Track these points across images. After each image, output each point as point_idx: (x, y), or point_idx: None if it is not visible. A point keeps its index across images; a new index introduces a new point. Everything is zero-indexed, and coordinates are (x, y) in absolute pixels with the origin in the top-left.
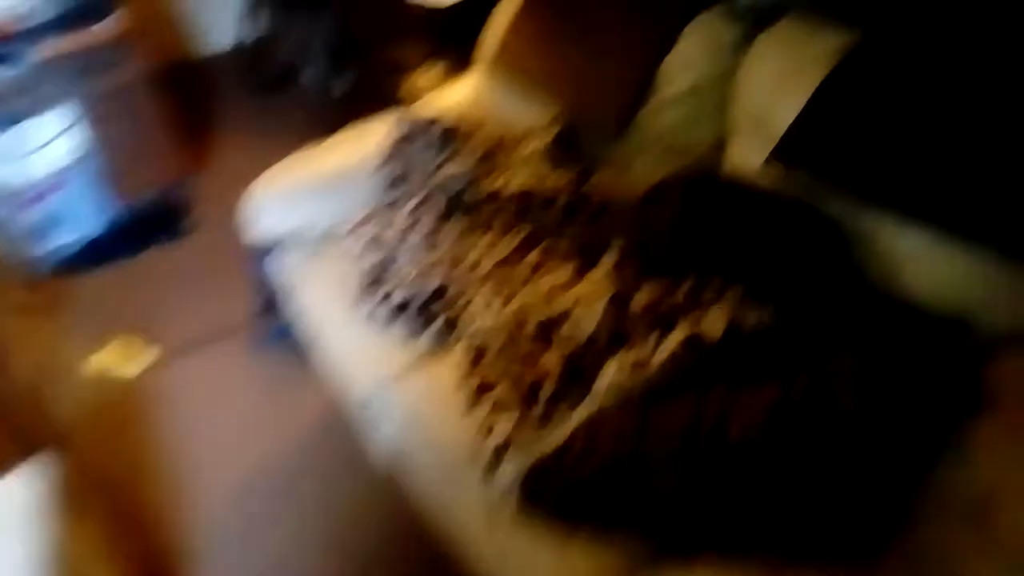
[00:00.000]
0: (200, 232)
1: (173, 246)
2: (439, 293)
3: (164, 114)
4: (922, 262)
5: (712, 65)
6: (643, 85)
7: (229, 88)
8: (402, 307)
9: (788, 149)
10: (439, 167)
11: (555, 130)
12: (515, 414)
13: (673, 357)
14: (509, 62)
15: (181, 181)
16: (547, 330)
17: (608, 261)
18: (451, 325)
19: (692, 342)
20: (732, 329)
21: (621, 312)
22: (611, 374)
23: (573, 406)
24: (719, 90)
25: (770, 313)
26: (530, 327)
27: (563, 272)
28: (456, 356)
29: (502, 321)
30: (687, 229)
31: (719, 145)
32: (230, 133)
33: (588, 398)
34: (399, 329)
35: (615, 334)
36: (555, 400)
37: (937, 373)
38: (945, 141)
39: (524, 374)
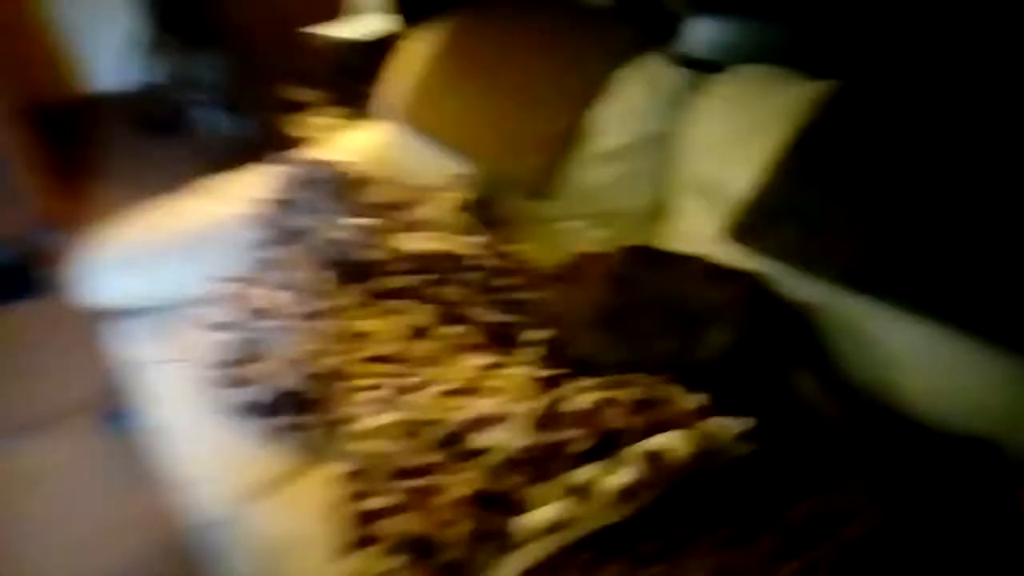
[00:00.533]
0: (59, 291)
1: (23, 306)
2: (316, 386)
3: (28, 156)
4: (921, 362)
5: (651, 118)
6: (569, 139)
7: (116, 130)
8: (268, 403)
9: (747, 224)
10: (330, 222)
11: (470, 187)
12: (408, 564)
13: (627, 490)
14: (418, 110)
15: (43, 231)
16: (455, 440)
17: (530, 349)
18: (329, 429)
19: (652, 464)
20: (704, 452)
21: (551, 420)
22: (546, 511)
23: (491, 557)
24: (659, 147)
25: (750, 428)
26: (433, 436)
27: (475, 362)
28: (334, 472)
29: (397, 427)
30: (621, 315)
31: (659, 210)
32: (112, 179)
33: (513, 556)
34: (262, 430)
35: (544, 450)
36: (466, 547)
37: (977, 511)
38: (942, 216)
39: (424, 504)
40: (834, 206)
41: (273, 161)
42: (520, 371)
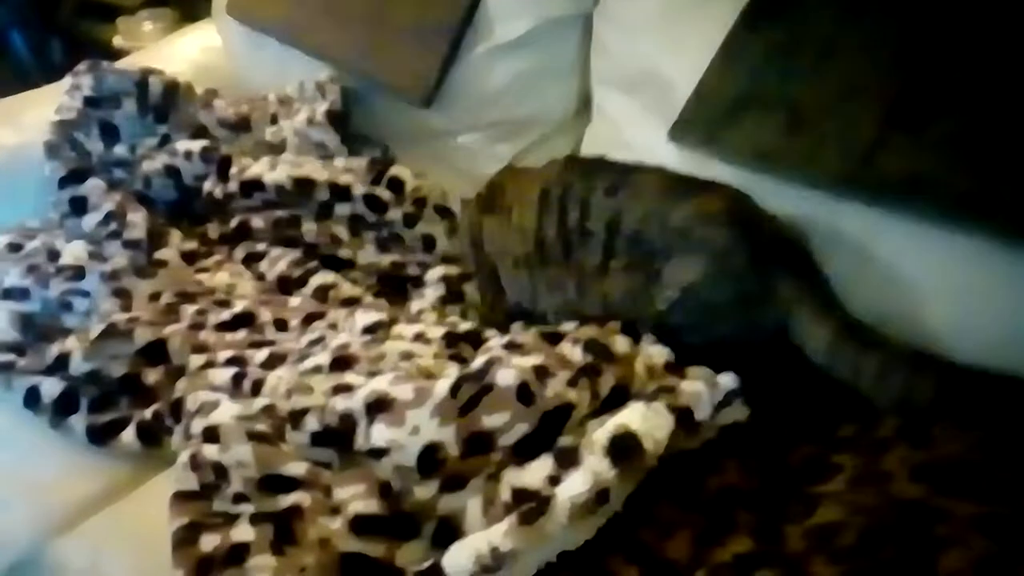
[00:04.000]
0: None
1: None
2: (145, 368)
3: None
4: (948, 285)
5: None
6: (457, 28)
7: None
8: (79, 395)
9: (705, 121)
10: (158, 144)
11: (336, 97)
12: None
13: (587, 504)
14: (266, 4)
15: None
16: (338, 438)
17: (433, 299)
18: (163, 427)
19: (616, 458)
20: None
21: (471, 400)
22: (474, 544)
23: None
24: (573, 33)
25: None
26: (306, 432)
27: (360, 321)
28: (176, 483)
29: (254, 421)
30: (556, 248)
31: (578, 115)
32: None
33: None
34: (72, 434)
35: (466, 445)
36: None
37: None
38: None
39: (288, 542)
40: (825, 85)
41: (82, 75)
42: (422, 330)
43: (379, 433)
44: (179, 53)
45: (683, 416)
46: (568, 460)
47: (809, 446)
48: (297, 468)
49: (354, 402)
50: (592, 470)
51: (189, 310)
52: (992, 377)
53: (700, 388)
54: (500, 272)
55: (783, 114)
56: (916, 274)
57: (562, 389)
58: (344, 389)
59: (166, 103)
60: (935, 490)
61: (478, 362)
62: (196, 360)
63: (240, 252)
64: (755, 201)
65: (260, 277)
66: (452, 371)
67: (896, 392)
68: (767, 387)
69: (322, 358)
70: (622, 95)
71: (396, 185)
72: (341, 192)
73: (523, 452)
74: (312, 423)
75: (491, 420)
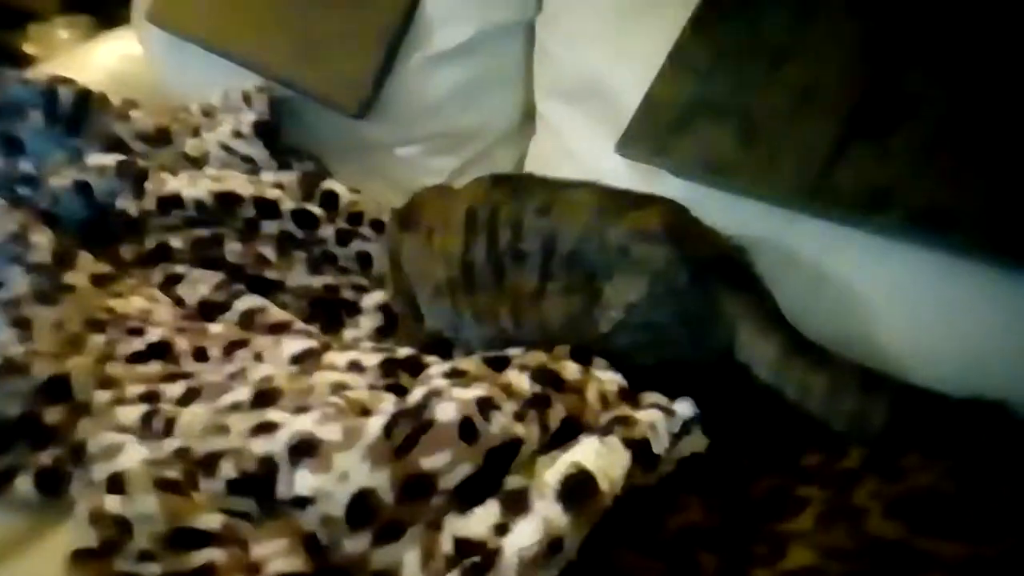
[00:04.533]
0: None
1: None
2: (44, 405)
3: None
4: (906, 303)
5: (501, 1)
6: (394, 35)
7: None
8: None
9: (650, 133)
10: (65, 163)
11: (259, 106)
12: None
13: (537, 557)
14: (189, 10)
15: None
16: (258, 485)
17: (367, 325)
18: (60, 469)
19: (568, 502)
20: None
21: (409, 439)
22: None
23: None
24: (515, 41)
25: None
26: (223, 479)
27: (287, 349)
28: (73, 540)
29: (163, 467)
30: (487, 271)
31: (521, 127)
32: None
33: None
34: None
35: (403, 491)
36: None
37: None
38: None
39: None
40: (779, 93)
41: None
42: (356, 358)
43: (303, 480)
44: (95, 62)
45: (640, 450)
46: (517, 505)
47: (772, 477)
48: (211, 521)
49: (275, 444)
50: (543, 516)
51: (97, 340)
52: (949, 401)
53: (656, 417)
54: (419, 299)
55: (735, 124)
56: (873, 293)
57: (508, 423)
58: (266, 429)
59: (77, 114)
60: (912, 528)
61: (415, 395)
62: (102, 396)
63: (157, 275)
64: (693, 215)
65: (179, 302)
66: (387, 406)
67: (847, 414)
68: (723, 412)
69: (242, 393)
70: (567, 106)
71: (329, 200)
72: (268, 208)
73: (466, 496)
74: (227, 469)
75: (430, 461)
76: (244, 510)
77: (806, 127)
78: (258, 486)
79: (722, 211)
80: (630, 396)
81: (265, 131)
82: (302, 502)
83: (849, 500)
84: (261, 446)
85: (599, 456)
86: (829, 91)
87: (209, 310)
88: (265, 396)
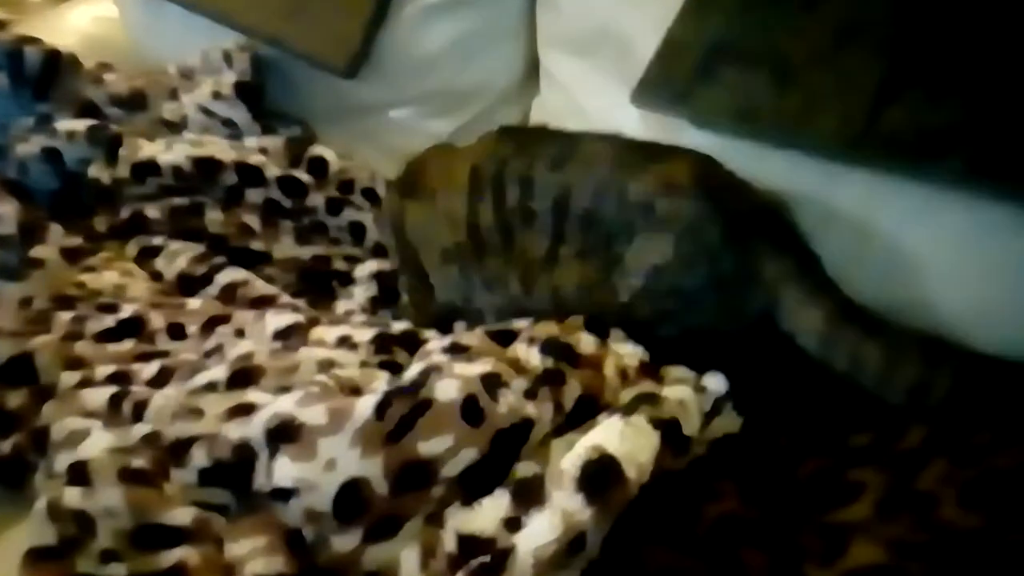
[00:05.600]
0: None
1: None
2: (5, 385)
3: None
4: (964, 262)
5: None
6: None
7: None
8: None
9: (673, 80)
10: (35, 124)
11: (240, 65)
12: None
13: (555, 557)
14: None
15: None
16: (233, 476)
17: (363, 294)
18: (20, 458)
19: (593, 474)
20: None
21: (404, 421)
22: None
23: None
24: None
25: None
26: (193, 469)
27: (272, 324)
28: (30, 537)
29: (131, 456)
30: (495, 235)
31: (529, 80)
32: None
33: None
34: None
35: (397, 480)
36: None
37: None
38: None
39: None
40: (817, 30)
41: None
42: (347, 333)
43: (283, 469)
44: (68, 24)
45: (669, 431)
46: (529, 496)
47: (817, 459)
48: (182, 516)
49: (252, 429)
50: (561, 509)
51: (64, 317)
52: (1019, 369)
53: (685, 394)
54: (427, 267)
55: (768, 66)
56: (926, 251)
57: (518, 402)
58: (242, 411)
59: (46, 77)
60: (993, 518)
61: (412, 371)
62: (69, 378)
63: (132, 248)
64: (725, 166)
65: (156, 276)
66: (380, 384)
67: (906, 387)
68: (756, 387)
69: (218, 372)
70: (574, 58)
71: (318, 166)
72: (252, 175)
73: (471, 485)
74: (199, 457)
75: (429, 446)
76: (219, 503)
77: (848, 68)
78: (234, 476)
79: (752, 165)
80: (652, 371)
81: (247, 92)
82: (283, 494)
83: (913, 485)
84: (236, 431)
85: (624, 439)
86: (874, 27)
87: (188, 284)
88: (244, 375)
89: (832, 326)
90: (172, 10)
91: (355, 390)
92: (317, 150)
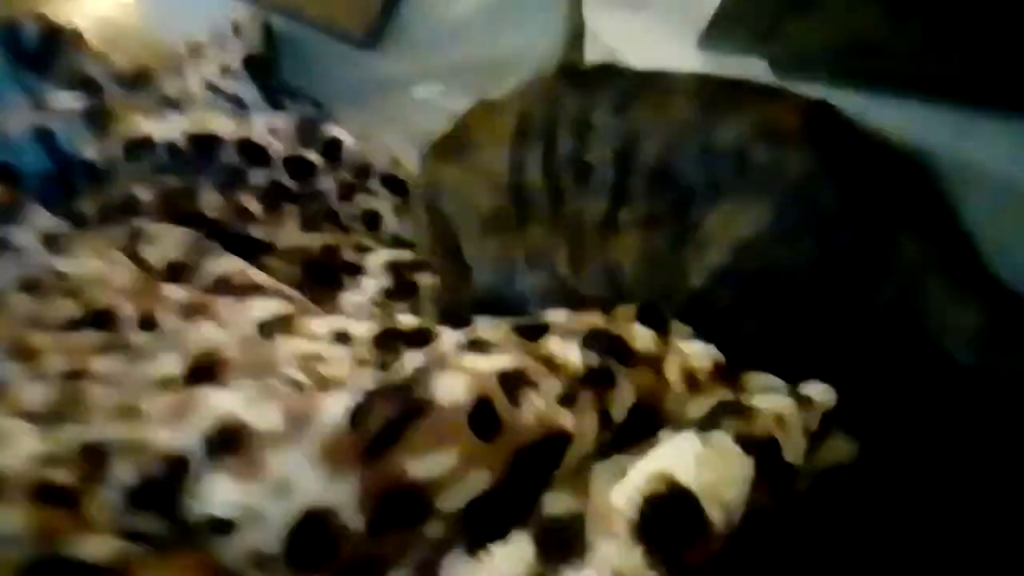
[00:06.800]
0: None
1: None
2: None
3: None
4: None
5: None
6: None
7: None
8: None
9: (747, 14)
10: (24, 103)
11: (251, 36)
12: None
13: None
14: None
15: None
16: (167, 490)
17: (375, 285)
18: None
19: (659, 516)
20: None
21: (387, 431)
22: None
23: None
24: None
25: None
26: (120, 484)
27: (260, 310)
28: None
29: (55, 463)
30: (544, 197)
31: (573, 47)
32: None
33: None
34: None
35: (392, 498)
36: None
37: None
38: None
39: None
40: None
41: None
42: (342, 326)
43: (221, 491)
44: (83, 8)
45: (765, 455)
46: (562, 544)
47: (974, 503)
48: (97, 548)
49: (186, 435)
50: (611, 568)
51: (25, 305)
52: None
53: (785, 407)
54: (463, 243)
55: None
56: None
57: (549, 409)
58: (185, 412)
59: (46, 51)
60: None
61: (405, 365)
62: (12, 371)
63: (120, 233)
64: (845, 114)
65: (144, 264)
66: (363, 381)
67: None
68: (878, 403)
69: (173, 364)
70: (625, 12)
71: (332, 148)
72: (255, 153)
73: (479, 524)
74: (125, 472)
75: (423, 466)
76: (150, 531)
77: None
78: (166, 497)
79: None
80: (730, 377)
81: (258, 66)
82: (222, 526)
83: None
84: (169, 439)
85: (703, 465)
86: None
87: (178, 273)
88: (205, 370)
89: (995, 333)
90: None
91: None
92: (332, 130)
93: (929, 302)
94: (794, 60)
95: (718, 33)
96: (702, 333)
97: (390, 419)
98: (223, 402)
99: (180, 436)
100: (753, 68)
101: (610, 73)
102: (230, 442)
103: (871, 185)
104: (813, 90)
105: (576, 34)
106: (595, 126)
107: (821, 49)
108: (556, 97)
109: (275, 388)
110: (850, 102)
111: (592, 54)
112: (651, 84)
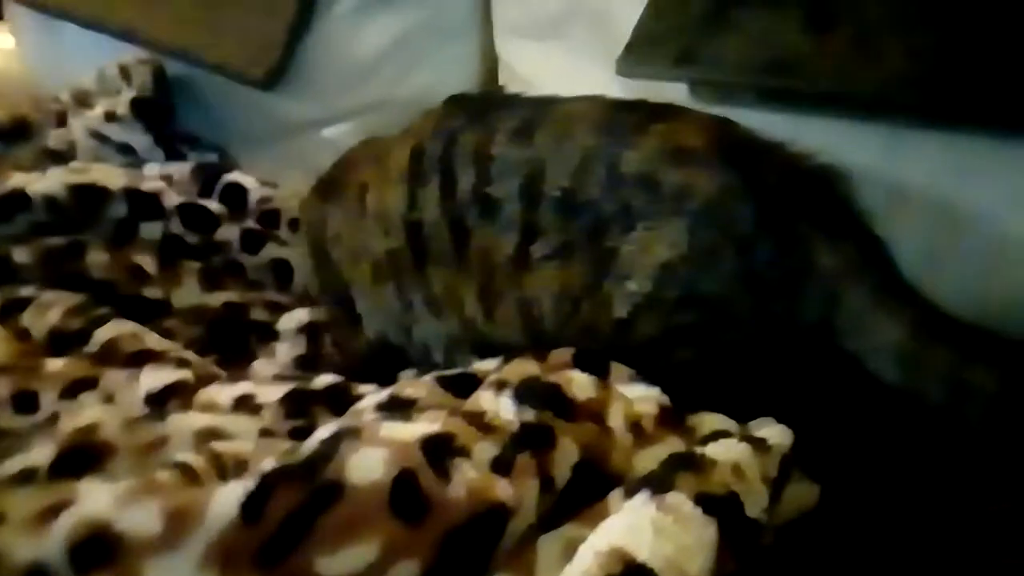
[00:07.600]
0: None
1: None
2: None
3: None
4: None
5: None
6: None
7: None
8: None
9: (664, 37)
10: None
11: (141, 80)
12: None
13: None
14: None
15: None
16: None
17: (288, 352)
18: None
19: None
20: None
21: (304, 508)
22: None
23: None
24: None
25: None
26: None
27: (156, 380)
28: None
29: None
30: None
31: (488, 79)
32: None
33: None
34: None
35: None
36: None
37: None
38: None
39: None
40: None
41: None
42: (248, 392)
43: None
44: None
45: (727, 516)
46: None
47: (942, 550)
48: None
49: (48, 547)
50: None
51: None
52: None
53: (741, 454)
54: (354, 291)
55: (799, 10)
56: None
57: (483, 480)
58: (52, 513)
59: None
60: None
61: (313, 439)
62: None
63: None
64: (745, 129)
65: (23, 335)
66: (265, 464)
67: None
68: (824, 434)
69: (40, 453)
70: (540, 43)
71: (234, 195)
72: (146, 204)
73: None
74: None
75: (336, 563)
76: None
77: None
78: None
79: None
80: (676, 421)
81: (148, 110)
82: None
83: None
84: (29, 548)
85: (659, 535)
86: None
87: (63, 343)
88: (78, 456)
89: (917, 342)
90: (70, 32)
91: (241, 471)
92: (233, 176)
93: (851, 313)
94: (715, 83)
95: (635, 59)
96: (634, 365)
97: (293, 510)
98: (91, 502)
99: (40, 544)
100: (676, 93)
101: (503, 101)
102: (99, 552)
103: (783, 197)
104: (737, 114)
105: (490, 67)
106: (495, 157)
107: (741, 70)
108: (449, 129)
109: (154, 482)
110: (776, 124)
111: (509, 86)
112: (549, 110)
